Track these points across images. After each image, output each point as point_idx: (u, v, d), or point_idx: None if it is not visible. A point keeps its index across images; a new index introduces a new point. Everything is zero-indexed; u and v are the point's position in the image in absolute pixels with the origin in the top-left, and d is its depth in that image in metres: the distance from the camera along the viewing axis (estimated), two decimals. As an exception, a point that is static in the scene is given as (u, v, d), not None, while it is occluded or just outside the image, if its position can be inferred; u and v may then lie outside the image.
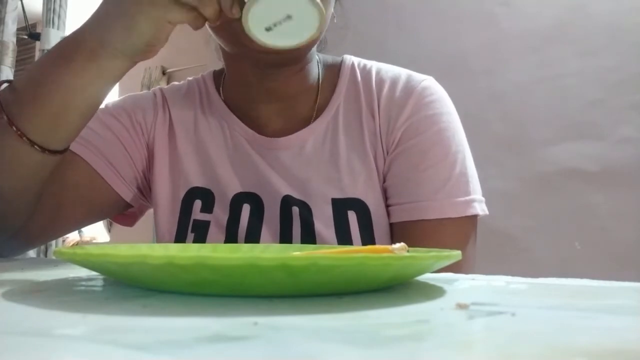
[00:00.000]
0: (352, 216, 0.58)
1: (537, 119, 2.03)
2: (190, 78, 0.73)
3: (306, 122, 0.62)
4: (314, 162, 0.60)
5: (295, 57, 0.57)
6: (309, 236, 0.58)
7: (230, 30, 0.52)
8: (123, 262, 0.26)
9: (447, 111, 0.61)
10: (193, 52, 3.67)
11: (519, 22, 2.11)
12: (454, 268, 0.45)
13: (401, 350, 0.16)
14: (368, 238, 0.58)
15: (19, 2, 2.34)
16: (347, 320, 0.21)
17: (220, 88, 0.68)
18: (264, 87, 0.61)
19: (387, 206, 0.59)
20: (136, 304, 0.25)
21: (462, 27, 2.24)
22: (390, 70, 0.64)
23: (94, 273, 0.36)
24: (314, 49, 0.61)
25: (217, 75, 0.70)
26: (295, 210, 0.59)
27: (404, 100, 0.60)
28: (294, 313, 0.22)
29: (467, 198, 0.57)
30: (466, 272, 0.53)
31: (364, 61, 0.66)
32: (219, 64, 0.72)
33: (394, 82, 0.62)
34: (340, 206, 0.58)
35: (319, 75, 0.64)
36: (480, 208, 0.58)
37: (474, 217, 0.58)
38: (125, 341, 0.17)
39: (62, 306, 0.24)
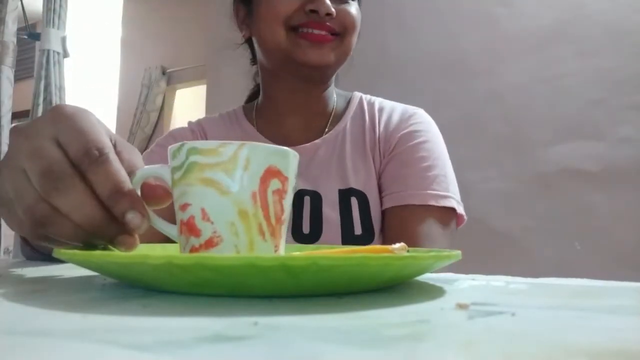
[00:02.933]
0: (354, 201, 0.71)
1: (537, 119, 2.03)
2: (222, 112, 0.86)
3: (319, 134, 0.76)
4: (325, 163, 0.74)
5: (326, 75, 0.73)
6: (317, 216, 0.70)
7: (283, 49, 0.68)
8: (123, 262, 0.26)
9: (431, 132, 0.75)
10: (193, 52, 3.67)
11: (519, 22, 2.11)
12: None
13: (401, 350, 0.16)
14: (366, 220, 0.70)
15: (19, 2, 2.34)
16: (347, 320, 0.21)
17: (253, 113, 0.81)
18: (294, 103, 0.76)
19: (381, 197, 0.72)
20: (136, 304, 0.25)
21: (462, 27, 2.24)
22: (390, 102, 0.81)
23: (94, 273, 0.36)
24: (333, 80, 0.78)
25: (247, 109, 0.84)
26: (307, 198, 0.71)
27: (400, 119, 0.76)
28: (294, 313, 0.22)
29: (445, 193, 0.68)
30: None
31: (369, 96, 0.83)
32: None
33: (393, 108, 0.79)
34: (345, 194, 0.71)
35: (334, 101, 0.80)
36: (457, 206, 0.69)
37: (453, 212, 0.69)
38: (125, 341, 0.17)
39: (62, 306, 0.24)
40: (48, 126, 0.34)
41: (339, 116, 0.78)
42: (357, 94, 0.82)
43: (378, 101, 0.81)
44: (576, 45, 1.98)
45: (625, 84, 1.88)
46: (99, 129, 0.34)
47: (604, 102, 1.91)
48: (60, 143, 0.33)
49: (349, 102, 0.80)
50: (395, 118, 0.76)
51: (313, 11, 0.66)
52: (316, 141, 0.75)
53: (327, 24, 0.67)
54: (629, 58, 1.89)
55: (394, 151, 0.73)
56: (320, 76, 0.73)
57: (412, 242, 0.63)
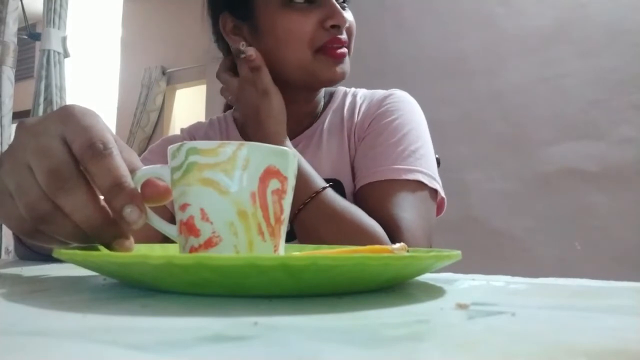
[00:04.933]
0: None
1: (537, 119, 2.03)
2: (213, 117, 0.86)
3: (302, 131, 0.78)
4: (303, 155, 0.72)
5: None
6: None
7: (308, 69, 0.68)
8: (123, 262, 0.26)
9: (404, 109, 0.74)
10: (193, 52, 3.67)
11: (519, 22, 2.11)
12: (393, 228, 0.62)
13: (401, 350, 0.16)
14: None
15: (19, 2, 2.33)
16: (347, 320, 0.21)
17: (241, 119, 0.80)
18: (287, 109, 0.72)
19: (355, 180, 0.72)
20: (136, 304, 0.25)
21: (462, 27, 2.24)
22: (372, 90, 0.81)
23: (94, 273, 0.36)
24: None
25: (237, 112, 0.83)
26: None
27: (377, 101, 0.77)
28: (294, 313, 0.22)
29: (408, 167, 0.67)
30: (407, 235, 0.61)
31: (354, 89, 0.83)
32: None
33: (374, 94, 0.80)
34: None
35: (322, 101, 0.81)
36: (427, 180, 0.68)
37: (419, 184, 0.67)
38: (125, 341, 0.17)
39: (62, 306, 0.24)
40: (56, 125, 0.34)
41: (322, 112, 0.80)
42: (342, 89, 0.83)
43: (362, 91, 0.82)
44: (576, 45, 1.98)
45: (625, 84, 1.88)
46: (105, 128, 0.35)
47: (604, 102, 1.91)
48: (66, 140, 0.33)
49: (331, 97, 0.82)
50: (372, 102, 0.77)
51: (334, 26, 0.67)
52: (297, 137, 0.76)
53: (343, 37, 0.69)
54: (629, 58, 1.89)
55: (365, 132, 0.74)
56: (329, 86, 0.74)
57: (380, 216, 0.63)
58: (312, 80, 0.70)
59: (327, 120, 0.78)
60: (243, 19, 0.72)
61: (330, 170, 0.73)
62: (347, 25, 0.69)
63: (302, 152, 0.75)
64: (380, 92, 0.80)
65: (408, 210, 0.64)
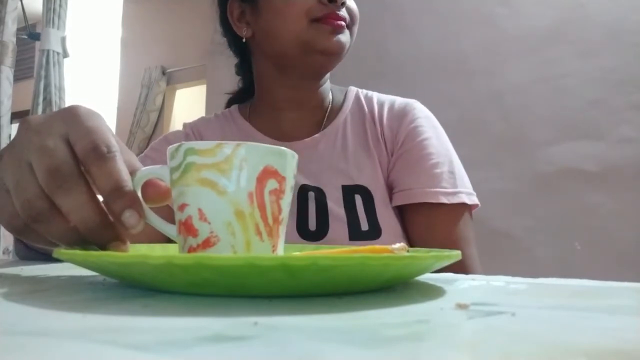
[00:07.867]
0: (357, 199, 0.71)
1: (537, 119, 2.03)
2: (217, 112, 0.87)
3: (317, 128, 0.77)
4: (326, 158, 0.74)
5: (334, 64, 0.74)
6: (323, 212, 0.70)
7: (303, 40, 0.68)
8: (123, 262, 0.26)
9: (433, 125, 0.76)
10: (193, 52, 3.67)
11: (519, 22, 2.11)
12: (466, 269, 0.62)
13: (401, 350, 0.16)
14: (371, 216, 0.70)
15: (19, 2, 2.34)
16: (347, 320, 0.21)
17: (247, 112, 0.82)
18: (293, 98, 0.77)
19: (392, 194, 0.73)
20: (136, 304, 0.25)
21: (462, 27, 2.24)
22: (387, 96, 0.81)
23: (94, 273, 0.36)
24: (328, 74, 0.79)
25: (242, 108, 0.85)
26: (311, 194, 0.71)
27: (403, 112, 0.76)
28: (294, 313, 0.22)
29: (454, 190, 0.70)
30: (467, 258, 0.63)
31: (365, 90, 0.83)
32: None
33: (392, 101, 0.79)
34: (349, 191, 0.71)
35: (330, 95, 0.81)
36: (468, 199, 0.70)
37: (464, 206, 0.70)
38: (125, 341, 0.17)
39: (62, 306, 0.24)
40: (60, 124, 0.34)
41: (337, 110, 0.79)
42: (353, 88, 0.83)
43: (376, 95, 0.82)
44: (576, 45, 1.98)
45: (625, 84, 1.88)
46: (108, 130, 0.35)
47: (604, 102, 1.91)
48: (69, 141, 0.33)
49: (345, 96, 0.81)
50: (397, 113, 0.76)
51: (331, 1, 0.68)
52: (315, 135, 0.75)
53: (341, 14, 0.69)
54: (629, 58, 1.89)
55: (402, 148, 0.73)
56: (331, 65, 0.74)
57: (444, 245, 0.66)
58: (307, 51, 0.69)
59: (348, 121, 0.77)
60: (247, 2, 0.73)
61: (358, 176, 0.72)
62: (345, 3, 0.69)
63: (326, 154, 0.75)
64: (398, 101, 0.79)
65: (470, 243, 0.68)
